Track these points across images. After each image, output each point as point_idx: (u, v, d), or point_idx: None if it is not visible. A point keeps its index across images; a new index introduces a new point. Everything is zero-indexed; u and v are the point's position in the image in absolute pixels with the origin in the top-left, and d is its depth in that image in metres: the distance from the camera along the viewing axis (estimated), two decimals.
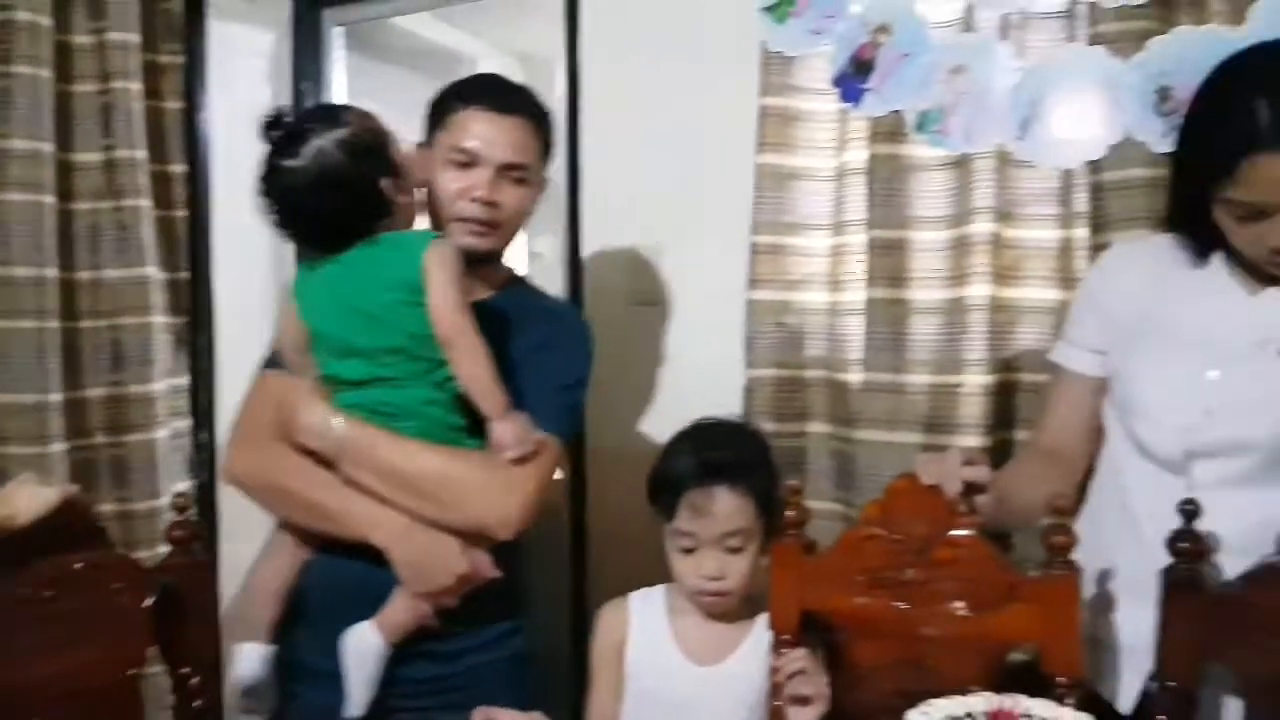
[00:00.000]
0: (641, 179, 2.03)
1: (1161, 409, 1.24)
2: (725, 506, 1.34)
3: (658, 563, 1.42)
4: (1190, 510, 1.12)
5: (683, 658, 1.40)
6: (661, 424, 2.03)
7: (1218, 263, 1.26)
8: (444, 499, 1.36)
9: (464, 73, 2.37)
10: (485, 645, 1.48)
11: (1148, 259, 1.33)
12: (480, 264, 1.49)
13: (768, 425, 1.83)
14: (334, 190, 1.32)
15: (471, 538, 1.39)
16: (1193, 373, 1.23)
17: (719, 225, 1.92)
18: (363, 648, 1.35)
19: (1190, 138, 1.23)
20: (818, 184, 1.83)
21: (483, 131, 1.45)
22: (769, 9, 1.78)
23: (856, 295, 1.79)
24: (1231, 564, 1.16)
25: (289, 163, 1.32)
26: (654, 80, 2.02)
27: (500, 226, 1.49)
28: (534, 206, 1.54)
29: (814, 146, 1.82)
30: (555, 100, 2.13)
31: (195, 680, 1.29)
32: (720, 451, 1.40)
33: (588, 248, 2.11)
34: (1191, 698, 1.14)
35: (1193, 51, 1.48)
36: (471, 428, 1.40)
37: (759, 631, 1.37)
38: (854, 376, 1.80)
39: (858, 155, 1.77)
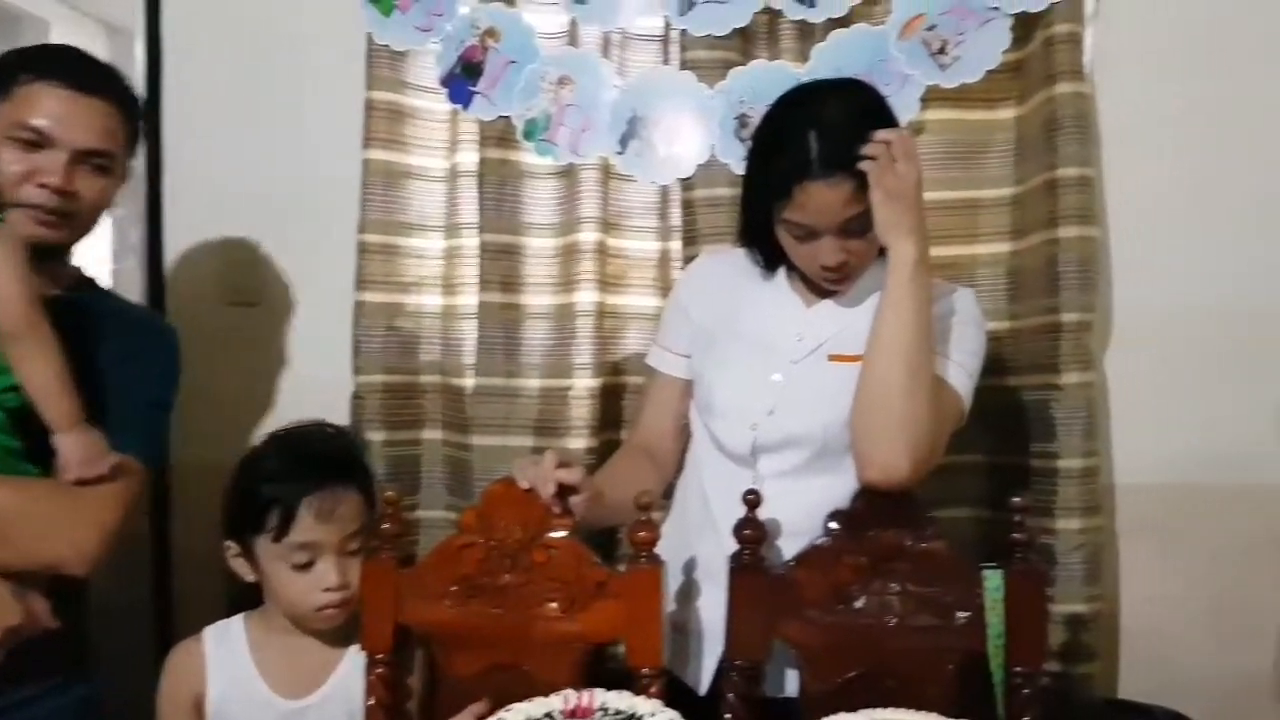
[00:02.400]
0: (237, 169, 1.86)
1: (733, 408, 1.35)
2: (350, 508, 1.27)
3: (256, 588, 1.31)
4: (752, 500, 1.21)
5: (271, 693, 1.29)
6: (262, 435, 1.88)
7: (782, 276, 1.40)
8: (7, 535, 1.15)
9: (30, 37, 2.06)
10: (40, 699, 1.26)
11: (727, 270, 1.44)
12: (46, 258, 1.27)
13: (379, 434, 1.76)
14: None
15: (34, 577, 1.18)
16: (759, 376, 1.34)
17: (326, 222, 1.81)
18: None
19: (755, 163, 1.34)
20: (430, 184, 1.79)
21: (57, 110, 1.26)
22: (374, 1, 1.70)
23: (470, 299, 1.76)
24: (792, 547, 1.28)
25: None
26: (251, 61, 1.86)
27: (74, 218, 1.29)
28: (114, 199, 1.36)
29: (425, 145, 1.78)
30: (135, 76, 1.90)
31: None
32: (328, 451, 1.32)
33: (173, 242, 1.89)
34: (757, 673, 1.24)
35: (766, 83, 1.63)
36: (31, 451, 1.19)
37: (353, 654, 1.30)
38: (467, 381, 1.77)
39: (469, 158, 1.75)
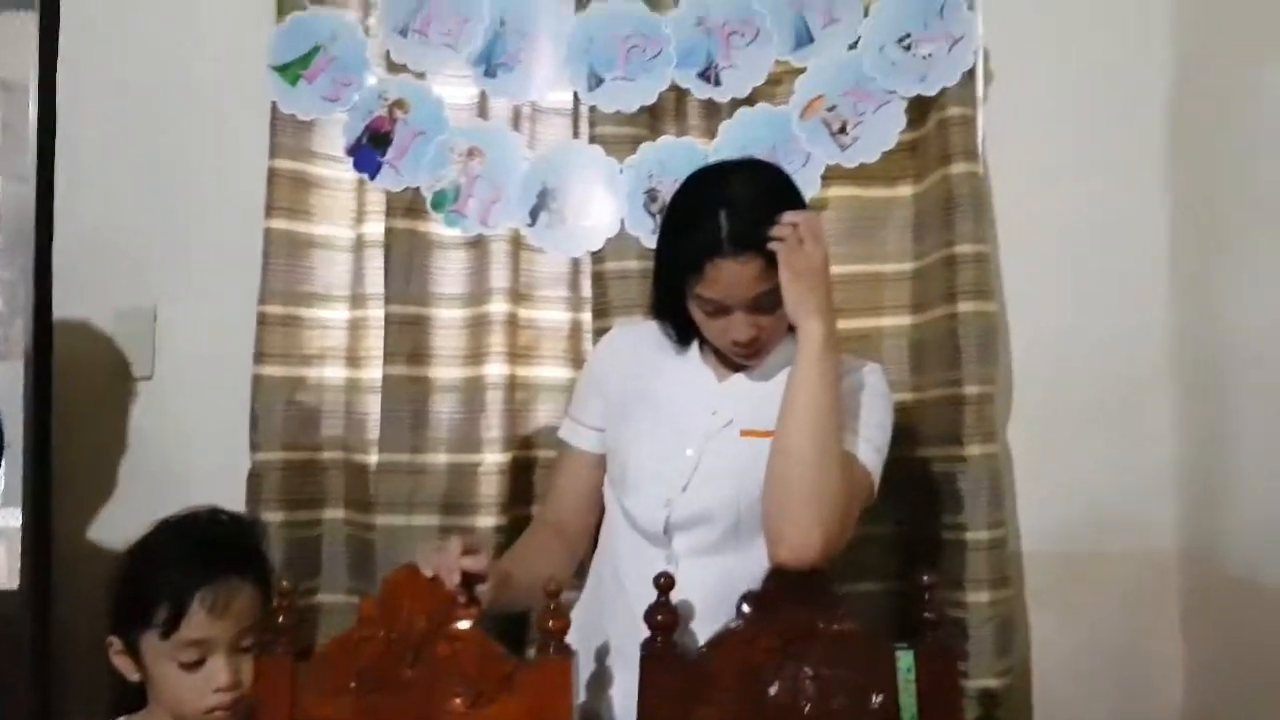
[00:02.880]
0: (133, 234, 1.80)
1: (647, 483, 1.33)
2: (244, 601, 1.20)
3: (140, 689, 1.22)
4: (664, 584, 1.19)
5: None
6: (151, 517, 1.78)
7: (694, 350, 1.40)
8: None
9: None
10: None
11: (640, 343, 1.44)
12: None
13: (277, 514, 1.68)
14: None
15: None
16: (673, 450, 1.33)
17: (226, 292, 1.75)
18: None
19: (666, 239, 1.35)
20: (335, 254, 1.75)
21: None
22: (279, 69, 1.67)
23: (375, 372, 1.72)
24: (706, 629, 1.25)
25: None
26: (150, 125, 1.81)
27: None
28: None
29: (331, 215, 1.74)
30: (29, 134, 1.83)
31: None
32: (224, 540, 1.25)
33: (63, 310, 1.80)
34: None
35: (674, 158, 1.66)
36: None
37: None
38: (371, 458, 1.72)
39: (376, 228, 1.72)
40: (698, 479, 1.31)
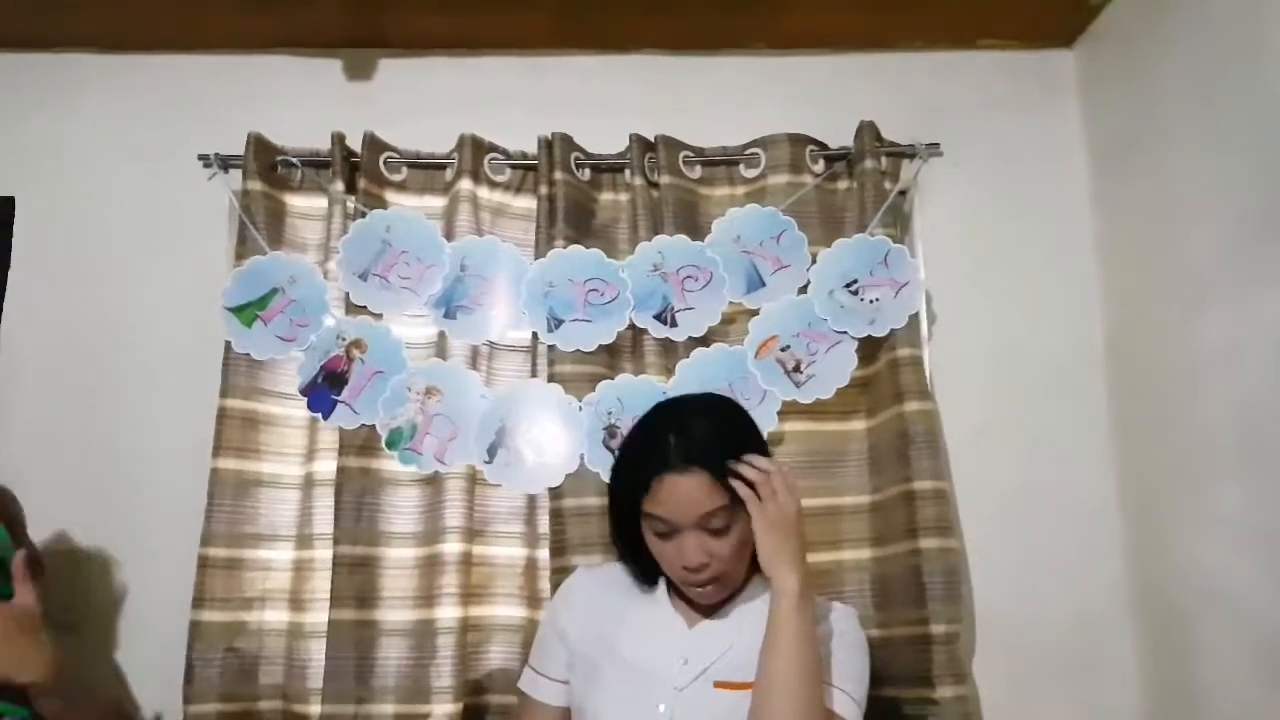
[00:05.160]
0: (70, 473, 1.74)
1: None
2: None
3: None
4: None
5: None
6: None
7: (662, 593, 1.36)
8: None
9: None
10: None
11: (603, 587, 1.40)
12: None
13: None
14: None
15: None
16: (644, 706, 1.27)
17: (164, 534, 1.69)
18: None
19: (620, 463, 1.36)
20: (282, 491, 1.70)
21: None
22: (235, 310, 1.68)
23: (319, 616, 1.63)
24: None
25: None
26: (96, 364, 1.79)
27: None
28: None
29: (280, 453, 1.71)
30: None
31: None
32: None
33: None
34: None
35: (632, 395, 1.67)
36: None
37: None
38: (313, 709, 1.61)
39: (327, 466, 1.68)
40: None
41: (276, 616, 1.66)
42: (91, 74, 1.91)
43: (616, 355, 1.74)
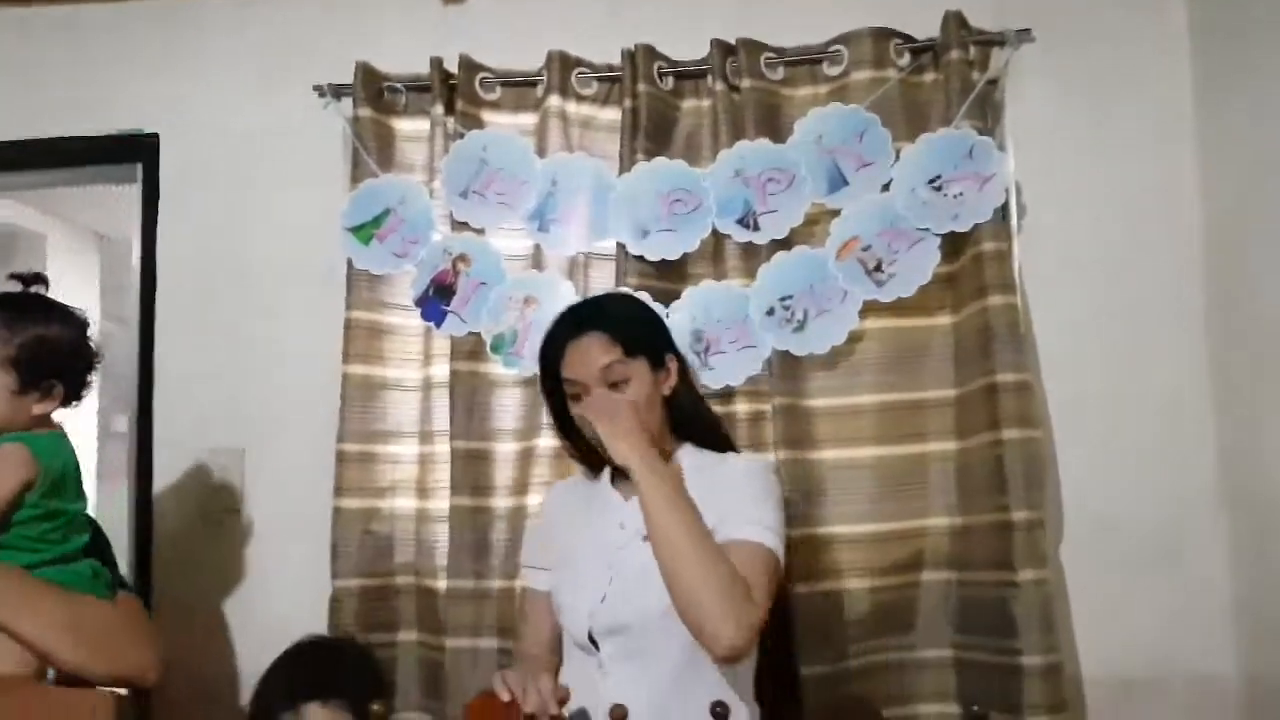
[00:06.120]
0: (221, 376, 1.97)
1: (576, 600, 1.44)
2: None
3: None
4: (619, 714, 1.18)
5: None
6: (242, 640, 1.91)
7: (604, 482, 1.52)
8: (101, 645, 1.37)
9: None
10: None
11: (572, 493, 1.58)
12: None
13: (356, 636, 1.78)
14: None
15: None
16: (594, 568, 1.44)
17: (306, 432, 1.89)
18: None
19: (541, 347, 1.49)
20: (405, 394, 1.88)
21: None
22: (353, 230, 1.84)
23: (442, 503, 1.82)
24: None
25: None
26: (236, 282, 2.00)
27: None
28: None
29: (401, 359, 1.88)
30: (130, 279, 2.04)
31: None
32: (309, 670, 1.42)
33: (161, 454, 1.97)
34: None
35: (715, 300, 1.76)
36: None
37: None
38: (440, 583, 1.81)
39: (442, 370, 1.85)
40: (612, 590, 1.41)
41: (405, 503, 1.86)
42: (217, 18, 2.07)
43: (699, 261, 1.81)
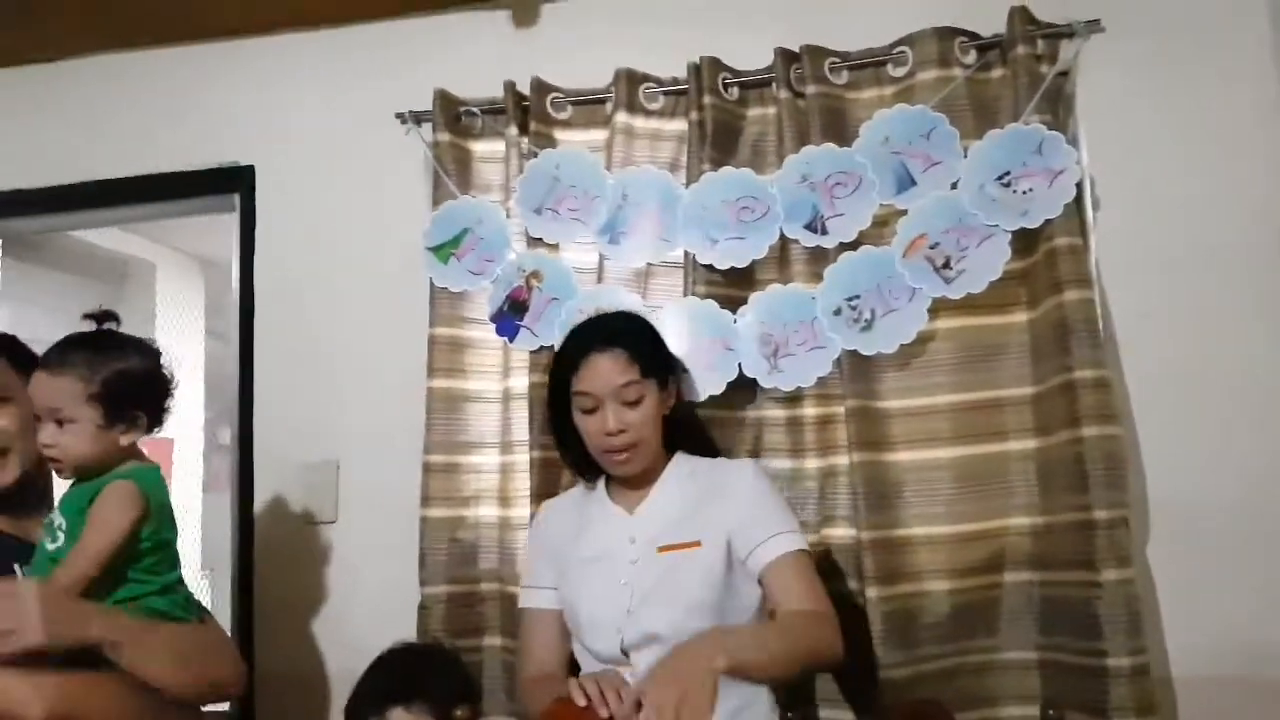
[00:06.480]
0: (316, 392, 2.07)
1: (598, 619, 1.49)
2: None
3: None
4: None
5: None
6: (336, 645, 2.00)
7: (602, 494, 1.60)
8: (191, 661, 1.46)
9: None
10: None
11: (565, 510, 1.65)
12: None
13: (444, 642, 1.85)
14: None
15: None
16: (610, 584, 1.50)
17: (395, 445, 1.98)
18: None
19: (556, 355, 1.60)
20: (485, 405, 1.95)
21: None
22: (434, 250, 1.92)
23: (523, 511, 1.88)
24: None
25: None
26: (327, 300, 2.10)
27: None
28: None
29: (481, 372, 1.95)
30: (231, 299, 2.16)
31: None
32: (395, 675, 1.47)
33: (261, 470, 2.08)
34: None
35: (782, 304, 1.78)
36: None
37: None
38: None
39: (520, 382, 1.91)
40: (636, 602, 1.46)
41: (489, 511, 1.92)
42: (302, 52, 2.19)
43: (766, 268, 1.83)
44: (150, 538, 1.42)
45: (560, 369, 1.56)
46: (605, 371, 1.51)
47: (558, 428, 1.61)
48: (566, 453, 1.63)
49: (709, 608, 1.44)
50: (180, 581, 1.49)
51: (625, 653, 1.46)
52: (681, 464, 1.58)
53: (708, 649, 1.31)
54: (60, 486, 1.54)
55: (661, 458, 1.58)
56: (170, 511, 1.47)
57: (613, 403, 1.51)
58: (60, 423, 1.41)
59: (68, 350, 1.43)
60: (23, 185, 2.28)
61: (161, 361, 1.50)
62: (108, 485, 1.41)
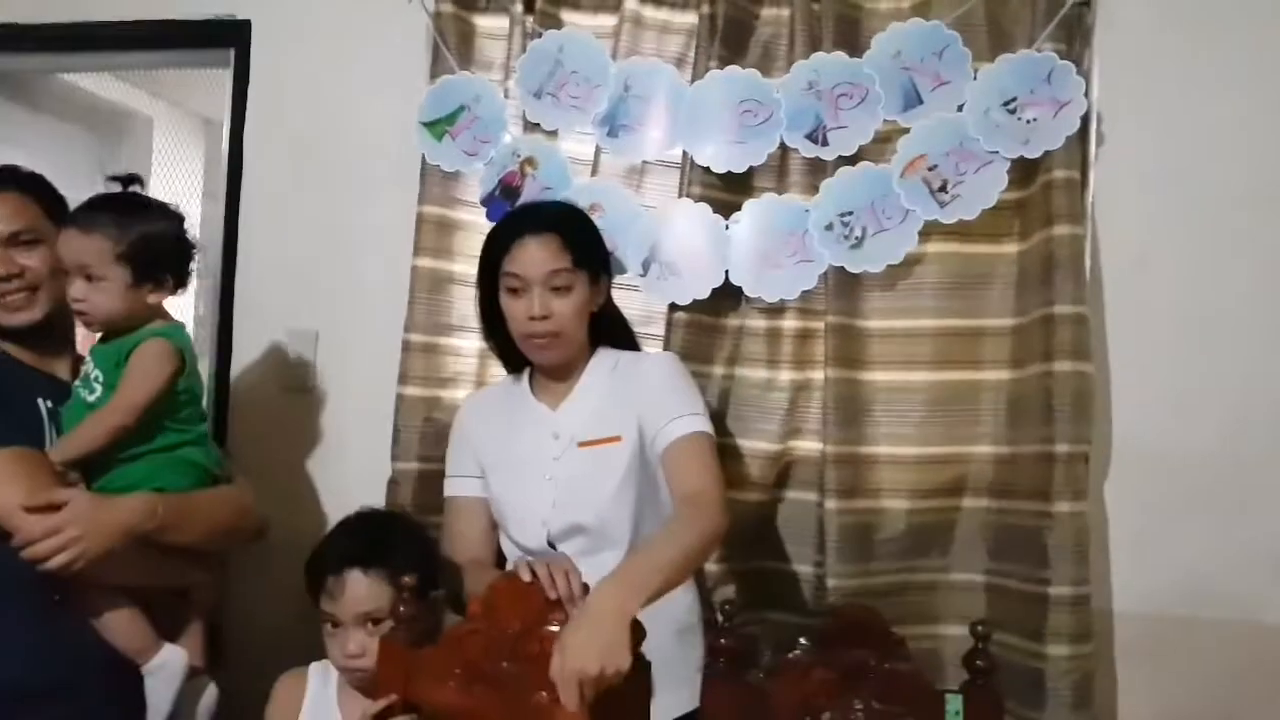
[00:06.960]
0: (302, 267, 2.06)
1: (523, 512, 1.54)
2: (360, 590, 1.45)
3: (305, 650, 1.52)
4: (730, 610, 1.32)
5: None
6: (312, 511, 2.03)
7: (524, 391, 1.61)
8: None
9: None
10: None
11: (489, 403, 1.67)
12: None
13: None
14: None
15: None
16: (536, 479, 1.53)
17: (376, 320, 1.98)
18: None
19: (489, 235, 1.58)
20: (470, 289, 1.92)
21: None
22: (428, 125, 1.89)
23: None
24: None
25: None
26: (319, 173, 2.07)
27: (34, 291, 1.55)
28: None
29: (469, 255, 1.92)
30: (222, 165, 2.13)
31: None
32: (358, 539, 1.51)
33: (241, 332, 2.09)
34: None
35: (776, 215, 1.77)
36: None
37: None
38: None
39: None
40: (560, 496, 1.51)
41: (465, 394, 1.93)
42: None
43: (763, 175, 1.81)
44: (185, 391, 1.52)
45: (492, 249, 1.55)
46: (536, 255, 1.50)
47: (486, 312, 1.60)
48: (492, 339, 1.63)
49: (630, 500, 1.49)
50: (207, 435, 1.60)
51: (552, 544, 1.51)
52: (604, 358, 1.59)
53: (613, 601, 1.23)
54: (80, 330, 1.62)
55: (585, 352, 1.59)
56: (197, 367, 1.56)
57: (540, 288, 1.50)
58: (90, 278, 1.47)
59: (96, 210, 1.49)
60: (8, 20, 2.21)
61: (185, 225, 1.55)
62: (145, 341, 1.48)
